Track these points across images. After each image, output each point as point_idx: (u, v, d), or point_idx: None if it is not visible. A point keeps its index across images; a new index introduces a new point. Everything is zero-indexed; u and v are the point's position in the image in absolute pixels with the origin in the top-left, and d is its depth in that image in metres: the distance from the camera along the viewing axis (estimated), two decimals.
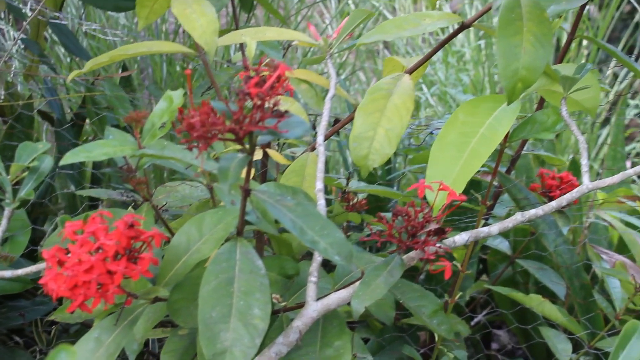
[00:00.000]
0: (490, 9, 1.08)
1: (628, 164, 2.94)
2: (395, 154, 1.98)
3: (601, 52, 3.89)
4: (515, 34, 1.06)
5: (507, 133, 1.23)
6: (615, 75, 3.38)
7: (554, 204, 1.04)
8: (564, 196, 1.05)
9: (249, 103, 0.85)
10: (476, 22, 1.16)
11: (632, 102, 3.02)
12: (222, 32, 1.74)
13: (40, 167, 1.19)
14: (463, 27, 1.15)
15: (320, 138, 1.06)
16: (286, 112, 0.84)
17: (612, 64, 3.45)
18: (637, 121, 3.01)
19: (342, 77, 2.91)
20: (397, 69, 1.22)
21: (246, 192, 0.91)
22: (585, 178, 1.06)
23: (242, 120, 0.83)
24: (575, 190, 1.05)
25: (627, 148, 2.94)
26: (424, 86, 2.90)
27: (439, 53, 2.95)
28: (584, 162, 1.08)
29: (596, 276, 1.77)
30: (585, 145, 1.09)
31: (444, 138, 1.09)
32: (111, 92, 1.73)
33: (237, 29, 1.73)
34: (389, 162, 1.99)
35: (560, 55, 1.35)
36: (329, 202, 1.63)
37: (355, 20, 1.21)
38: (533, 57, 1.05)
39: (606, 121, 2.95)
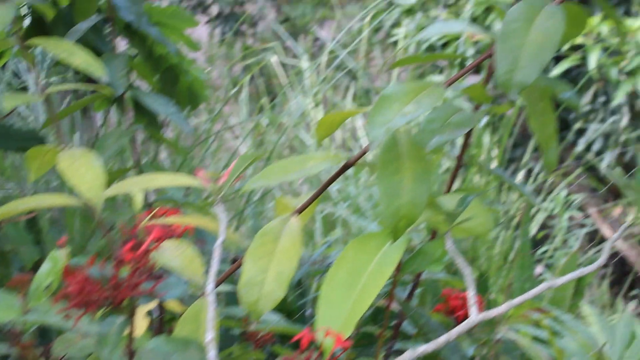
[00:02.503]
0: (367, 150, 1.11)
1: (539, 269, 2.99)
2: (307, 275, 1.99)
3: (512, 151, 3.97)
4: (395, 173, 1.09)
5: (400, 264, 1.25)
6: (530, 170, 3.46)
7: (443, 338, 1.05)
8: (453, 330, 1.06)
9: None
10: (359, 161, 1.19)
11: (544, 205, 3.08)
12: (119, 172, 1.76)
13: None
14: (347, 166, 1.17)
15: (209, 287, 1.07)
16: (164, 273, 0.85)
17: (526, 157, 3.53)
18: (549, 223, 3.07)
19: (259, 195, 2.92)
20: (288, 208, 1.24)
21: (131, 354, 0.91)
22: (473, 310, 1.08)
23: (118, 286, 0.83)
24: (464, 322, 1.07)
25: (540, 251, 2.99)
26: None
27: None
28: (471, 294, 1.09)
29: None
30: (472, 277, 1.11)
31: (333, 277, 1.10)
32: (15, 236, 1.72)
33: (138, 167, 1.74)
34: (299, 285, 1.99)
35: (449, 183, 1.37)
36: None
37: (244, 163, 1.23)
38: (414, 194, 1.08)
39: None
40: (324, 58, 3.13)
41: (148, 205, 1.69)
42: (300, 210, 1.19)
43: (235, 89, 2.63)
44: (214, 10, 5.83)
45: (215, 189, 1.21)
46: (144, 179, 1.21)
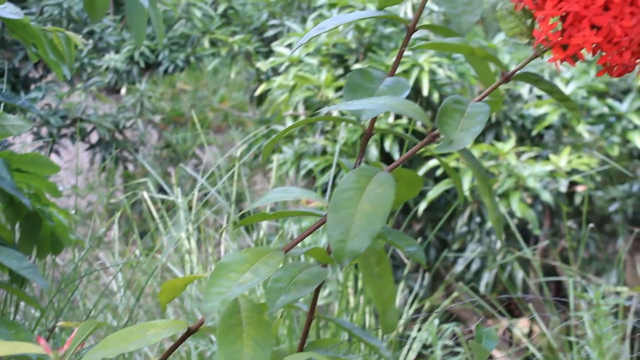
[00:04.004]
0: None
1: None
2: None
3: None
4: (236, 340, 1.08)
5: None
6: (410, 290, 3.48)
7: None
8: None
9: None
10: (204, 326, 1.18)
11: (419, 334, 3.10)
12: None
13: None
14: (190, 332, 1.16)
15: None
16: None
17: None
18: (425, 352, 3.08)
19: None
20: None
21: None
22: None
23: None
24: None
25: None
26: None
27: None
28: None
29: None
30: None
31: None
32: None
33: None
34: None
35: (302, 339, 1.36)
36: None
37: (85, 332, 1.21)
38: None
39: None
40: (196, 192, 3.13)
41: None
42: None
43: (104, 230, 2.60)
44: (94, 137, 5.81)
45: (57, 358, 1.18)
46: None
